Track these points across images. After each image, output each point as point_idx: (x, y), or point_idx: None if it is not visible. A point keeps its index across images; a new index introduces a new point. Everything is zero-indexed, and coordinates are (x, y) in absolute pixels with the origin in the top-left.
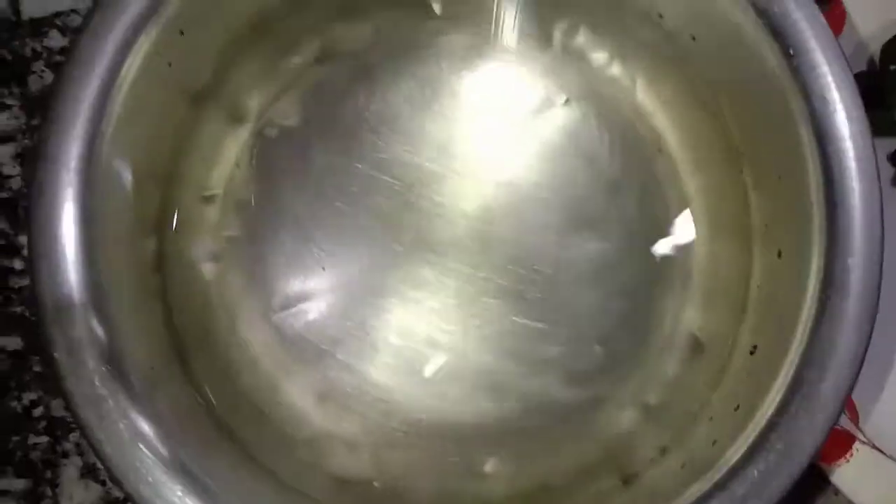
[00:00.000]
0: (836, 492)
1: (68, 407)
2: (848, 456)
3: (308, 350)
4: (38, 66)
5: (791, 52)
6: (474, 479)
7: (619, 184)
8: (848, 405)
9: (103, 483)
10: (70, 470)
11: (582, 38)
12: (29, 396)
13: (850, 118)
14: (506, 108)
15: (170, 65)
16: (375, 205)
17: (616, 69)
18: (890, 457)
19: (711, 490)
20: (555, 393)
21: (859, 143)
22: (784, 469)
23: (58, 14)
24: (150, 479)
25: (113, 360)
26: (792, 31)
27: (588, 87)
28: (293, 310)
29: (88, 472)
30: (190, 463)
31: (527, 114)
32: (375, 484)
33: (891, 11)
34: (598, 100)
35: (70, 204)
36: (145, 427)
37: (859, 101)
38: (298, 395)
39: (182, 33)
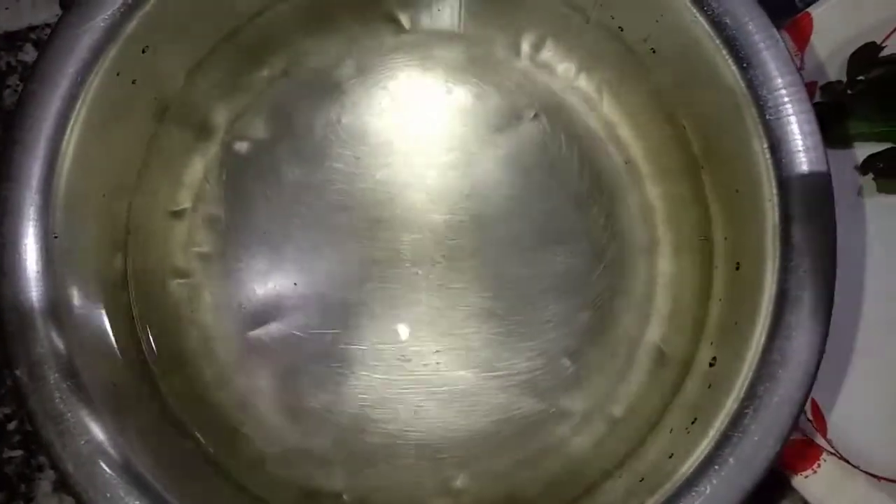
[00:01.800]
0: (805, 502)
1: (30, 423)
2: (815, 466)
3: (281, 366)
4: (13, 80)
5: (745, 64)
6: (444, 494)
7: (586, 196)
8: (815, 415)
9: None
10: (44, 484)
11: (548, 52)
12: (3, 410)
13: (802, 131)
14: (475, 121)
15: (134, 82)
16: (346, 220)
17: (583, 81)
18: (857, 467)
19: None
20: (524, 407)
21: (812, 156)
22: (736, 483)
23: (32, 28)
24: (108, 494)
25: (74, 376)
26: (746, 44)
27: (556, 100)
28: (265, 326)
29: (62, 485)
30: (150, 478)
31: (496, 127)
32: (345, 497)
33: (858, 22)
34: (565, 113)
35: (32, 222)
36: (105, 443)
37: (812, 114)
38: (271, 411)
39: (145, 51)
